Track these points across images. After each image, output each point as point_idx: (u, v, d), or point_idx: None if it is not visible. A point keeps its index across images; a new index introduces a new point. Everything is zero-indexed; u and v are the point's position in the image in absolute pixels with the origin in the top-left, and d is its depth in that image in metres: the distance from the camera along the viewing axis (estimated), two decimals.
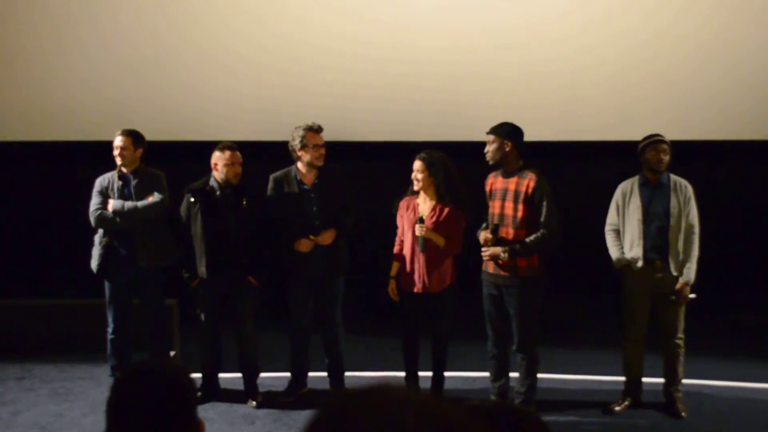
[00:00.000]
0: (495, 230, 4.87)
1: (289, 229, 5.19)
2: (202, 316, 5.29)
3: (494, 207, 4.95)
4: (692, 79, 6.72)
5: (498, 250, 4.83)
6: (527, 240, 4.81)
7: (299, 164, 5.23)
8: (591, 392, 5.31)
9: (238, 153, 5.18)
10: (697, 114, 6.76)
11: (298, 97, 6.75)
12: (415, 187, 5.04)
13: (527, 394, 5.04)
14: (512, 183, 4.87)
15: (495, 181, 5.00)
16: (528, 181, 4.82)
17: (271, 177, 5.29)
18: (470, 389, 5.49)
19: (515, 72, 6.73)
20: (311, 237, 5.16)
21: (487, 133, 4.93)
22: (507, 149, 4.87)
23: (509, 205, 4.86)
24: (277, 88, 6.80)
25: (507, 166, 4.92)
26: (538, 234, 4.80)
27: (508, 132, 4.88)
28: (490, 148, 4.91)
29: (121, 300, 5.45)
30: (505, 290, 4.93)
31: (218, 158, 5.15)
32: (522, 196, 4.82)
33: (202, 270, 5.14)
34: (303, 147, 5.15)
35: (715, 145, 6.84)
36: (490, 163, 4.94)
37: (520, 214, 4.82)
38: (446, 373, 5.27)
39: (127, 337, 5.48)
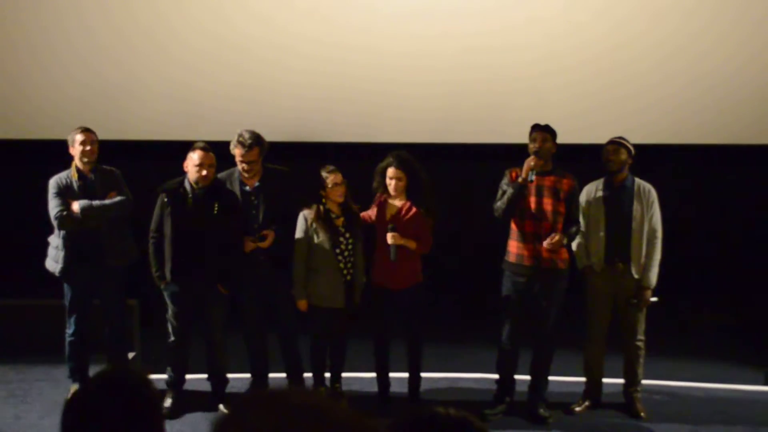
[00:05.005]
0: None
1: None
2: (171, 323, 5.18)
3: (530, 203, 5.00)
4: (659, 85, 6.78)
5: (561, 237, 4.92)
6: (570, 230, 5.01)
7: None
8: (552, 393, 5.35)
9: (210, 154, 5.01)
10: (661, 118, 6.82)
11: (264, 97, 6.69)
12: (393, 193, 5.06)
13: (543, 391, 5.19)
14: (549, 180, 5.00)
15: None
16: (567, 180, 5.00)
17: (216, 177, 5.23)
18: (438, 388, 5.51)
19: (483, 75, 6.72)
20: (250, 239, 5.11)
21: (539, 130, 5.00)
22: (554, 150, 5.03)
23: (548, 201, 4.98)
24: (243, 88, 6.73)
25: (545, 164, 5.01)
26: (575, 227, 5.05)
27: (555, 133, 5.03)
28: (545, 145, 4.97)
29: (82, 302, 5.35)
30: (541, 279, 5.01)
31: (188, 159, 5.03)
32: (562, 193, 4.97)
33: (167, 273, 5.04)
34: (234, 155, 5.12)
35: (680, 148, 6.93)
36: (541, 160, 4.95)
37: (562, 209, 4.98)
38: (427, 375, 5.33)
39: (87, 339, 5.39)
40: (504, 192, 5.04)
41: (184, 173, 5.08)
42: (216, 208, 5.01)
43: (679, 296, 6.45)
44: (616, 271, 5.11)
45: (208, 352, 5.29)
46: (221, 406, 5.19)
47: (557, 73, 6.71)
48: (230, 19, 6.69)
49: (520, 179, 4.94)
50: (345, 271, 5.07)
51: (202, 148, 5.02)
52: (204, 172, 4.97)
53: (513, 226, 5.08)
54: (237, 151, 5.07)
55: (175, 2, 6.71)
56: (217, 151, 5.12)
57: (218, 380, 5.33)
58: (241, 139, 5.05)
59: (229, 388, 5.41)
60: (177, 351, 5.24)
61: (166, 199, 5.02)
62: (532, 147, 4.99)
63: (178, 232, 5.00)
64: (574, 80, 6.72)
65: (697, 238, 7.09)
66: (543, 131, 5.01)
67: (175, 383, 5.26)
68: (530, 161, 4.91)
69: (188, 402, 5.28)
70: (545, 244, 4.91)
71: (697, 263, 7.06)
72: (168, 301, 5.17)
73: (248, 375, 5.44)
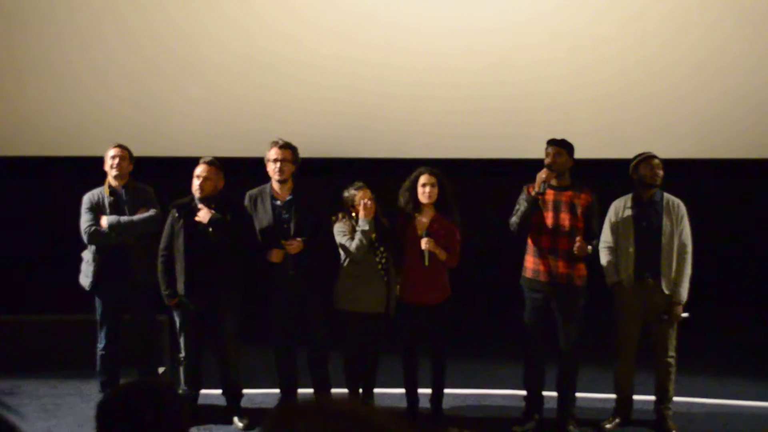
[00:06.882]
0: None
1: (263, 246, 5.17)
2: (182, 337, 5.24)
3: (548, 218, 5.00)
4: (684, 100, 6.74)
5: (583, 243, 4.91)
6: (591, 243, 4.99)
7: (273, 181, 5.24)
8: (582, 409, 5.31)
9: (211, 167, 5.12)
10: (688, 133, 6.79)
11: (289, 115, 6.74)
12: (426, 200, 5.07)
13: (570, 407, 5.14)
14: (566, 196, 5.00)
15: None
16: (585, 195, 5.00)
17: (247, 194, 5.27)
18: (467, 405, 5.48)
19: (509, 91, 6.73)
20: (276, 249, 5.12)
21: (554, 145, 5.01)
22: (570, 164, 5.01)
23: (565, 216, 4.97)
24: (268, 106, 6.78)
25: (562, 180, 5.02)
26: (594, 241, 5.02)
27: (571, 147, 5.03)
28: (558, 159, 4.98)
29: (112, 316, 5.42)
30: (558, 295, 5.00)
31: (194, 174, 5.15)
32: (579, 209, 4.97)
33: (180, 287, 5.09)
34: (267, 162, 5.17)
35: (707, 163, 6.87)
36: (553, 173, 4.97)
37: (580, 225, 4.97)
38: (455, 391, 5.35)
39: (117, 353, 5.45)
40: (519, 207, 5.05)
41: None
42: (228, 219, 5.06)
43: (711, 312, 6.37)
44: (647, 286, 5.07)
45: (221, 367, 5.31)
46: (236, 419, 5.21)
47: (582, 88, 6.70)
48: (254, 38, 6.75)
49: (533, 193, 4.95)
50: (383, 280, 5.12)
51: (205, 162, 5.16)
52: (204, 184, 5.07)
53: (529, 241, 5.07)
54: (271, 151, 5.12)
55: (199, 24, 6.77)
56: (245, 169, 5.15)
57: (232, 394, 5.34)
58: (275, 139, 5.15)
59: (257, 404, 5.43)
60: (189, 366, 5.27)
61: (177, 215, 5.11)
62: (546, 161, 5.00)
63: (190, 246, 5.05)
64: (599, 96, 6.71)
65: (730, 254, 7.01)
66: (557, 145, 5.02)
67: (189, 398, 5.26)
68: (542, 174, 4.94)
69: (203, 415, 5.28)
70: (575, 249, 4.89)
71: (730, 278, 6.97)
72: (178, 317, 5.21)
73: (265, 390, 5.48)
